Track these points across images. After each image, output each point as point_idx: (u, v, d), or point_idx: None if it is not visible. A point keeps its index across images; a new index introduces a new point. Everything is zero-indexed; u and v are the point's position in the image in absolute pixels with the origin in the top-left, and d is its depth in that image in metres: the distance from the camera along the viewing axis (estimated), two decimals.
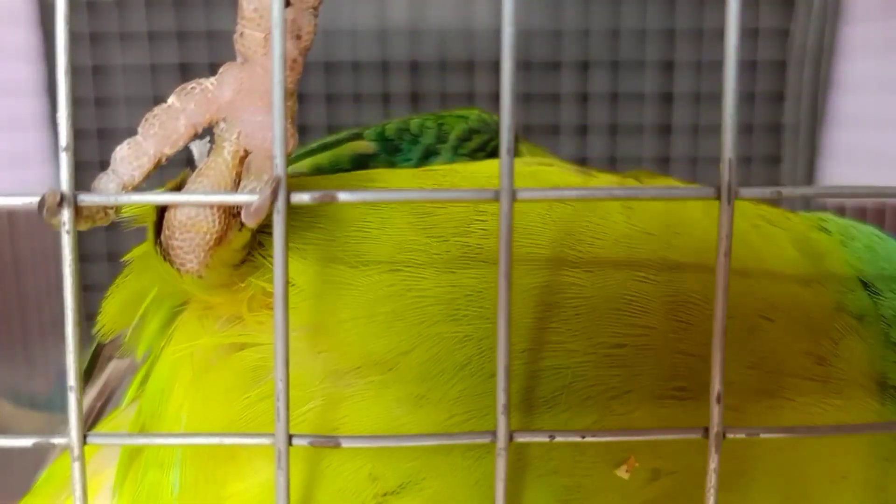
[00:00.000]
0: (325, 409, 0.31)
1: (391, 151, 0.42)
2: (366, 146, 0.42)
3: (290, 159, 0.40)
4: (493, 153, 0.43)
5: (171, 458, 0.33)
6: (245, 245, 0.31)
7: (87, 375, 0.41)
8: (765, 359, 0.33)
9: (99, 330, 0.37)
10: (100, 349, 0.41)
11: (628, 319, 0.32)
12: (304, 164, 0.41)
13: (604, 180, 0.36)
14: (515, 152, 0.42)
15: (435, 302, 0.31)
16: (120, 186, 0.29)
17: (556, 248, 0.33)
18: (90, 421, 0.41)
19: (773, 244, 0.36)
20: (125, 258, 0.35)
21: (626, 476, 0.31)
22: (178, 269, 0.31)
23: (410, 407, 0.31)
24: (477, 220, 0.32)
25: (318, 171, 0.40)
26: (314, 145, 0.42)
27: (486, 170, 0.37)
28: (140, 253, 0.34)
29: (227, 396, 0.32)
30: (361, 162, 0.41)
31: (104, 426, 0.38)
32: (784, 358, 0.33)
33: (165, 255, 0.31)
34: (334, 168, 0.41)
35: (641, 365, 0.32)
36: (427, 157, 0.42)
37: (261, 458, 0.31)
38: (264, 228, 0.30)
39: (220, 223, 0.30)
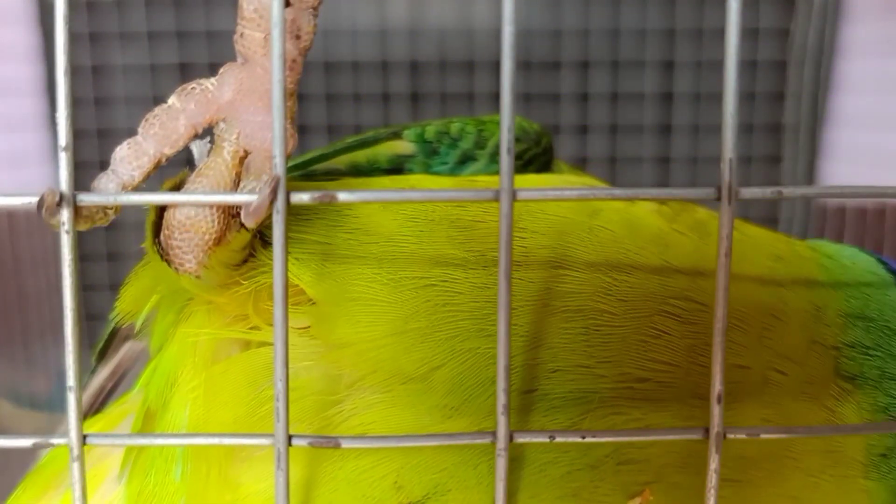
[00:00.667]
0: (352, 414, 0.31)
1: (429, 154, 0.41)
2: (404, 147, 0.41)
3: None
4: (531, 162, 0.42)
5: (173, 452, 0.33)
6: (245, 246, 0.31)
7: (102, 355, 0.41)
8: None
9: (116, 315, 0.37)
10: (116, 329, 0.41)
11: (654, 354, 0.32)
12: (341, 161, 0.40)
13: (642, 208, 0.36)
14: (555, 170, 0.42)
15: (469, 317, 0.31)
16: (120, 186, 0.29)
17: (596, 274, 0.33)
18: (100, 400, 0.41)
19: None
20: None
21: None
22: (177, 269, 0.31)
23: (440, 417, 0.31)
24: (517, 236, 0.32)
25: (356, 168, 0.40)
26: (350, 141, 0.41)
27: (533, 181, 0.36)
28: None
29: (236, 393, 0.32)
30: (398, 162, 0.41)
31: (114, 408, 0.39)
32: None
33: (164, 254, 0.31)
34: (371, 167, 0.40)
35: (662, 401, 0.32)
36: (464, 161, 0.41)
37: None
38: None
39: (219, 223, 0.30)
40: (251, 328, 0.33)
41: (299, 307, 0.32)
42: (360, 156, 0.40)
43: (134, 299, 0.36)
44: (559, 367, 0.31)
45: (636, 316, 0.32)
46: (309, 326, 0.32)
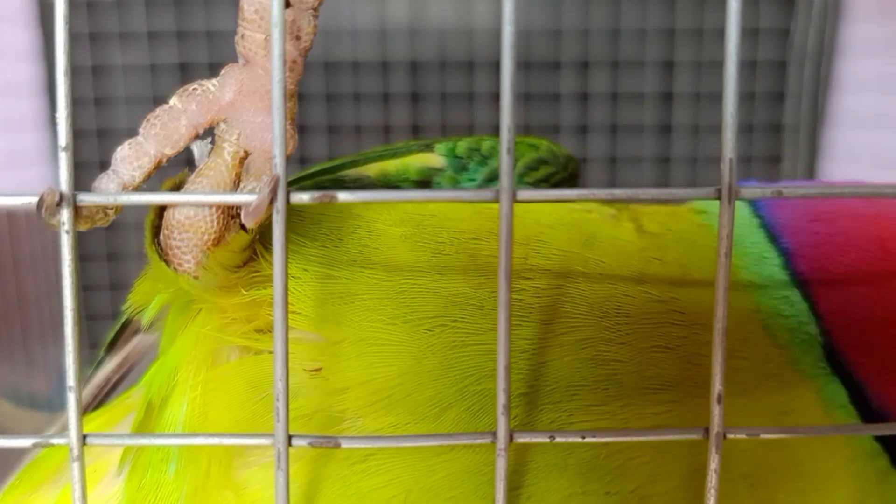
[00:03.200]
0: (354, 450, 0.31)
1: (458, 169, 0.41)
2: (435, 160, 0.41)
3: (346, 163, 0.40)
4: (557, 185, 0.42)
5: (168, 450, 0.33)
6: (244, 248, 0.31)
7: (111, 346, 0.41)
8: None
9: (129, 307, 0.37)
10: (128, 321, 0.40)
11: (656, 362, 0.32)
12: (372, 169, 0.40)
13: (626, 229, 0.36)
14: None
15: (483, 358, 0.31)
16: (120, 187, 0.29)
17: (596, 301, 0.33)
18: (104, 392, 0.41)
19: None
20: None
21: None
22: (175, 269, 0.31)
23: (449, 452, 0.31)
24: (524, 275, 0.33)
25: (385, 178, 0.40)
26: (381, 150, 0.41)
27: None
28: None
29: (236, 397, 0.32)
30: (428, 175, 0.41)
31: (117, 404, 0.39)
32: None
33: (163, 254, 0.31)
34: (401, 177, 0.40)
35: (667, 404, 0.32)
36: (492, 179, 0.41)
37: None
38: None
39: (218, 224, 0.30)
40: (256, 331, 0.33)
41: (306, 343, 0.32)
42: (391, 165, 0.40)
43: (146, 293, 0.36)
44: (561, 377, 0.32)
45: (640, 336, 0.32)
46: (321, 368, 0.32)
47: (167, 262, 0.31)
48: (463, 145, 0.42)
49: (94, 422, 0.37)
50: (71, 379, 0.26)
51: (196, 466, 0.32)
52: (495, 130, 0.25)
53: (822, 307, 0.36)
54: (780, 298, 0.36)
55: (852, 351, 0.35)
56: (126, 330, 0.41)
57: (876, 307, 0.36)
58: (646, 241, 0.35)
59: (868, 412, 0.35)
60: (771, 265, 0.37)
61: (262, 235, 0.31)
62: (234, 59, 0.30)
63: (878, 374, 0.35)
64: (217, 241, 0.30)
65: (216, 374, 0.33)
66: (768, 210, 0.39)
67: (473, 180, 0.41)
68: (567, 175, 0.43)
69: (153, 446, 0.33)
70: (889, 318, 0.36)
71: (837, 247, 0.37)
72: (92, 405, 0.40)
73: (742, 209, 0.39)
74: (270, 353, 0.32)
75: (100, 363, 0.41)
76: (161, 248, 0.31)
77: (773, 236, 0.38)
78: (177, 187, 0.30)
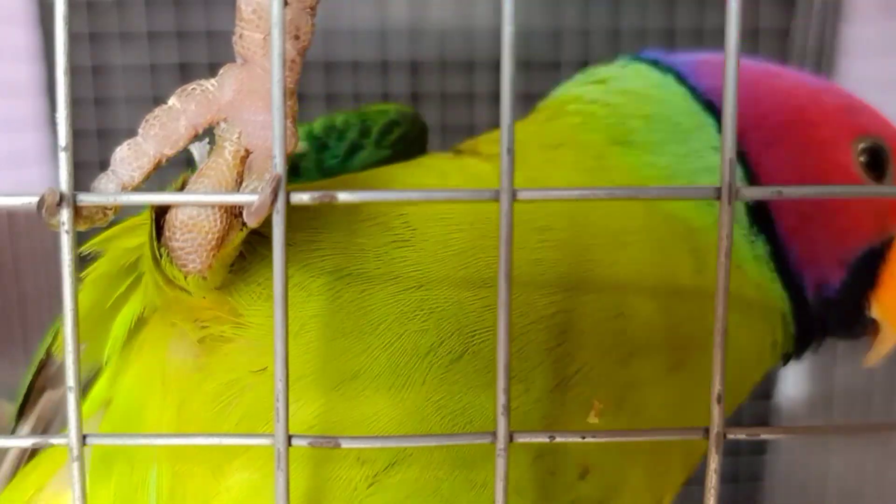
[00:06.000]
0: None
1: (319, 149, 0.43)
2: (298, 147, 0.42)
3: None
4: (412, 144, 0.44)
5: (147, 465, 0.33)
6: (241, 244, 0.31)
7: (20, 412, 0.40)
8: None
9: (58, 349, 0.37)
10: (33, 382, 0.40)
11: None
12: None
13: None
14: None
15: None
16: (120, 187, 0.28)
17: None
18: (26, 458, 0.39)
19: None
20: (82, 275, 0.34)
21: (596, 420, 0.32)
22: (181, 270, 0.30)
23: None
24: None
25: None
26: None
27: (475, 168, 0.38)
28: (94, 271, 0.34)
29: (204, 413, 0.32)
30: (293, 162, 0.42)
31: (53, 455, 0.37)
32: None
33: (168, 257, 0.31)
34: None
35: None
36: (353, 151, 0.43)
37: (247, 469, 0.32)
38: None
39: (222, 223, 0.30)
40: (202, 326, 0.33)
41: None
42: None
43: (95, 321, 0.35)
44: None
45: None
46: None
47: (171, 265, 0.31)
48: (318, 125, 0.43)
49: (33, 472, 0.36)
50: (70, 379, 0.26)
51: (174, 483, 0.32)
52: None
53: (757, 167, 0.39)
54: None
55: (778, 207, 0.39)
56: (32, 392, 0.40)
57: (798, 169, 0.40)
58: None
59: (784, 265, 0.40)
60: (706, 129, 0.39)
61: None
62: (234, 59, 0.30)
63: (794, 231, 0.39)
64: (221, 241, 0.30)
65: (185, 396, 0.33)
66: (696, 79, 0.42)
67: (336, 156, 0.42)
68: (418, 132, 0.45)
69: (120, 472, 0.33)
70: (804, 179, 0.39)
71: (762, 112, 0.40)
72: (11, 474, 0.38)
73: (666, 77, 0.42)
74: (226, 353, 0.32)
75: (13, 431, 0.39)
76: (159, 253, 0.31)
77: (707, 102, 0.41)
78: (179, 189, 0.30)
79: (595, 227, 0.33)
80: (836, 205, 0.39)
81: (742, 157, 0.39)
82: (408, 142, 0.44)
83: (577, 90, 0.45)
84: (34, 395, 0.40)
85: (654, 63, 0.44)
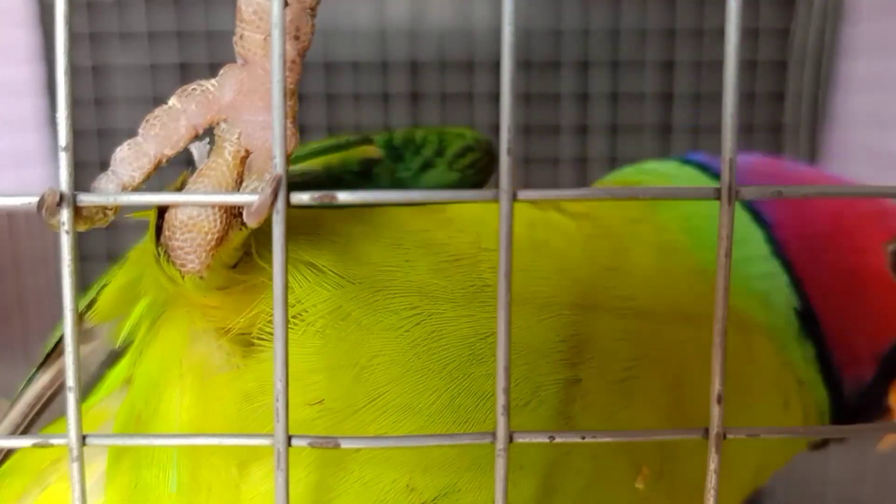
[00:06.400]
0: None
1: (395, 159, 0.43)
2: (374, 151, 0.43)
3: (291, 158, 0.41)
4: (481, 172, 0.45)
5: (167, 457, 0.33)
6: (242, 244, 0.31)
7: (45, 361, 0.41)
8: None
9: (93, 316, 0.37)
10: (62, 336, 0.40)
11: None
12: (317, 163, 0.41)
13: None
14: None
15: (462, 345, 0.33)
16: (120, 187, 0.28)
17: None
18: (37, 409, 0.40)
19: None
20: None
21: (641, 487, 0.32)
22: (180, 270, 0.31)
23: None
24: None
25: (329, 170, 0.41)
26: (326, 143, 0.42)
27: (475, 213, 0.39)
28: (139, 248, 0.34)
29: (231, 410, 0.32)
30: (368, 166, 0.42)
31: (85, 411, 0.38)
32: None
33: (166, 256, 0.31)
34: (344, 169, 0.42)
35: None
36: (425, 168, 0.43)
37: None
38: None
39: (221, 223, 0.30)
40: (241, 334, 0.33)
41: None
42: (335, 158, 0.41)
43: (115, 300, 0.36)
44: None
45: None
46: (323, 400, 0.32)
47: (171, 264, 0.31)
48: (398, 136, 0.44)
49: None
50: (70, 379, 0.26)
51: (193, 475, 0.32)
52: (495, 130, 0.25)
53: (802, 273, 0.43)
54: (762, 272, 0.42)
55: (823, 312, 0.43)
56: (60, 344, 0.41)
57: (838, 274, 0.43)
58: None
59: (829, 369, 0.43)
60: (755, 239, 0.43)
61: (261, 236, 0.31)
62: (234, 60, 0.30)
63: (839, 335, 0.43)
64: (220, 241, 0.30)
65: (209, 387, 0.33)
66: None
67: (409, 170, 0.43)
68: (488, 159, 0.46)
69: (139, 462, 0.33)
70: (848, 285, 0.43)
71: (804, 222, 0.43)
72: (23, 424, 0.39)
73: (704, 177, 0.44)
74: (261, 360, 0.32)
75: (30, 380, 0.40)
76: (162, 250, 0.31)
77: (754, 210, 0.43)
78: (179, 189, 0.30)
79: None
80: (873, 305, 0.44)
81: (787, 264, 0.43)
82: (477, 169, 0.45)
83: (643, 177, 0.47)
84: (60, 348, 0.40)
85: (703, 169, 0.47)
